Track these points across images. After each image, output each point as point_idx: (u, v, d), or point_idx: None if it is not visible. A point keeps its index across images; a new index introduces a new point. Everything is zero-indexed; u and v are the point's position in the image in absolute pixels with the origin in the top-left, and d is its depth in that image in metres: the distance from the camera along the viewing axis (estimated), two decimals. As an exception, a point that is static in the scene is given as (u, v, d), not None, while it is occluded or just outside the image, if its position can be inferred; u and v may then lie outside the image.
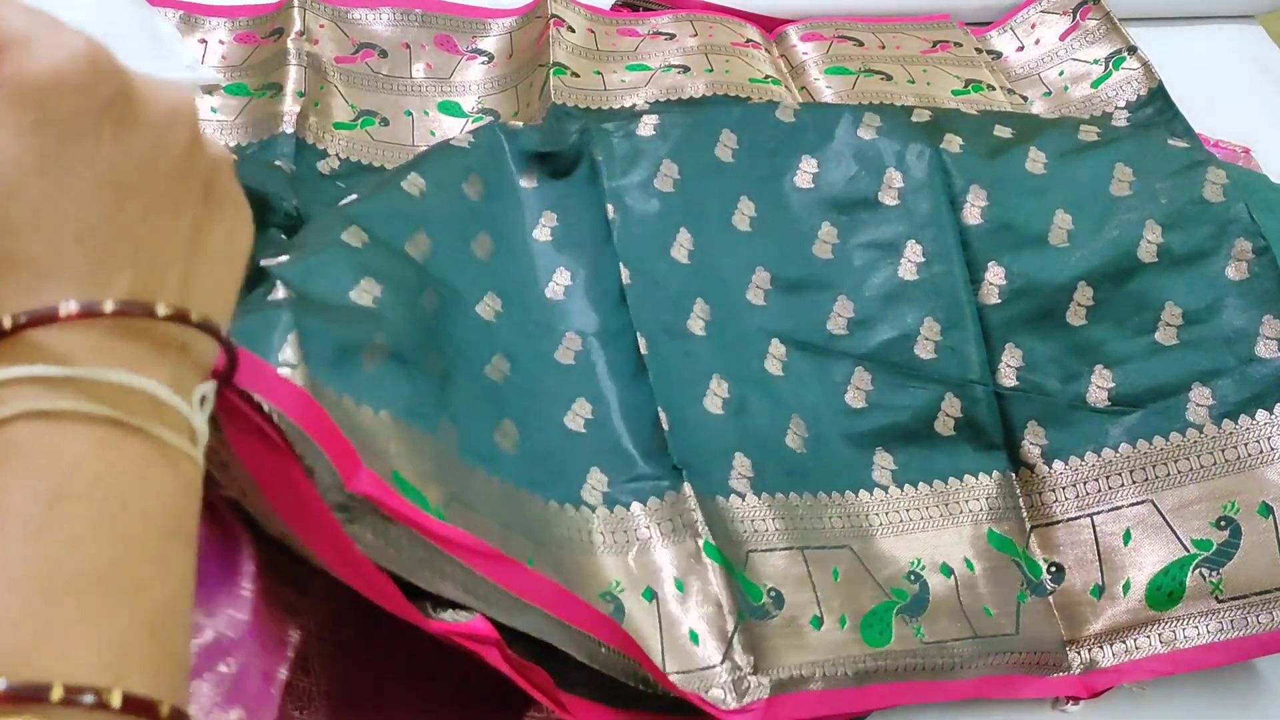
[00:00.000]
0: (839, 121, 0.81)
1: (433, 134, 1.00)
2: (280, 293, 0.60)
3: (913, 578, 0.71)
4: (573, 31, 1.05)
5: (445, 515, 0.58)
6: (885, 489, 0.73)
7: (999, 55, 1.15)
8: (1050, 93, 1.09)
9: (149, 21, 1.15)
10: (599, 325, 0.75)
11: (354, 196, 0.71)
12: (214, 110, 0.96)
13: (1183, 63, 1.13)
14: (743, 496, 0.69)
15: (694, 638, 0.64)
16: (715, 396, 0.72)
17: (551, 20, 1.03)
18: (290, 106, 0.93)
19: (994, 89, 1.05)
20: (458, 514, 0.60)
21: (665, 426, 0.69)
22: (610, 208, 0.77)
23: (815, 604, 0.67)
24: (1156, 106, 1.03)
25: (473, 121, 1.01)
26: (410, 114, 1.01)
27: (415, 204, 0.72)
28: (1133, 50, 1.07)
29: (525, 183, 0.80)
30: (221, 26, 1.04)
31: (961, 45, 1.12)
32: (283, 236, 0.74)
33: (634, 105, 0.98)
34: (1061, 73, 1.10)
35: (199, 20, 1.04)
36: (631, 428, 0.71)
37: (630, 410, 0.71)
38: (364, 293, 0.64)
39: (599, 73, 1.02)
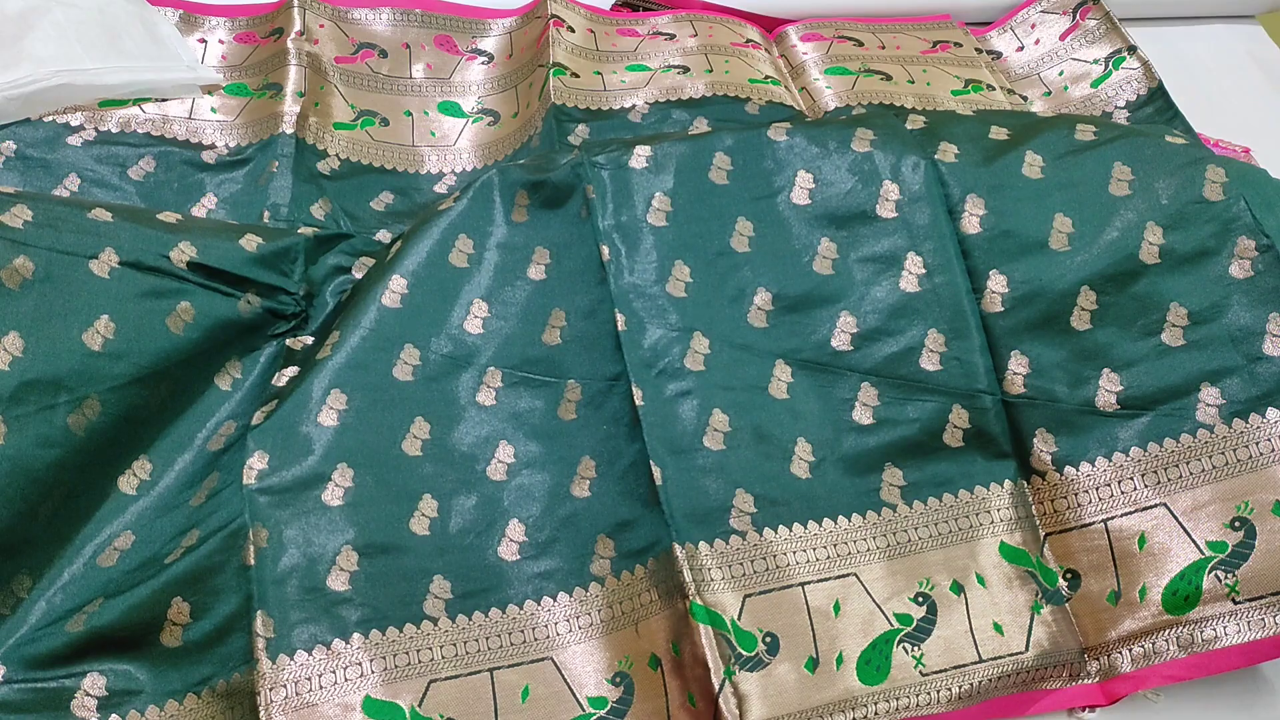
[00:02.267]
0: (832, 137, 0.81)
1: (432, 134, 0.99)
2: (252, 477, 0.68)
3: (920, 599, 0.70)
4: (572, 31, 1.05)
5: (421, 711, 0.64)
6: (894, 508, 0.73)
7: (999, 55, 1.15)
8: (1050, 92, 1.09)
9: (149, 21, 1.15)
10: (596, 370, 0.75)
11: (334, 338, 0.73)
12: (214, 110, 0.96)
13: (1183, 63, 1.13)
14: (743, 535, 0.69)
15: (691, 700, 0.65)
16: (716, 432, 0.72)
17: (551, 20, 1.03)
18: (290, 106, 0.93)
19: (994, 89, 1.05)
20: (438, 694, 0.65)
21: (658, 481, 0.69)
22: (605, 249, 0.77)
23: (812, 644, 0.67)
24: (1156, 106, 1.03)
25: (472, 122, 1.01)
26: (410, 114, 1.01)
27: (398, 317, 0.75)
28: (1133, 50, 1.07)
29: (516, 217, 0.80)
30: (221, 26, 1.04)
31: (961, 45, 1.12)
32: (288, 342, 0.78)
33: (634, 105, 0.98)
34: (1061, 72, 1.10)
35: (199, 20, 1.04)
36: (632, 481, 0.71)
37: (629, 463, 0.72)
38: (336, 487, 0.69)
39: (599, 73, 1.02)
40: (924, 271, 0.77)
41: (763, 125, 0.83)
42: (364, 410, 0.71)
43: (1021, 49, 1.14)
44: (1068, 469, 0.73)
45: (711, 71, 1.01)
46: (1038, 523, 0.74)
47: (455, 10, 1.08)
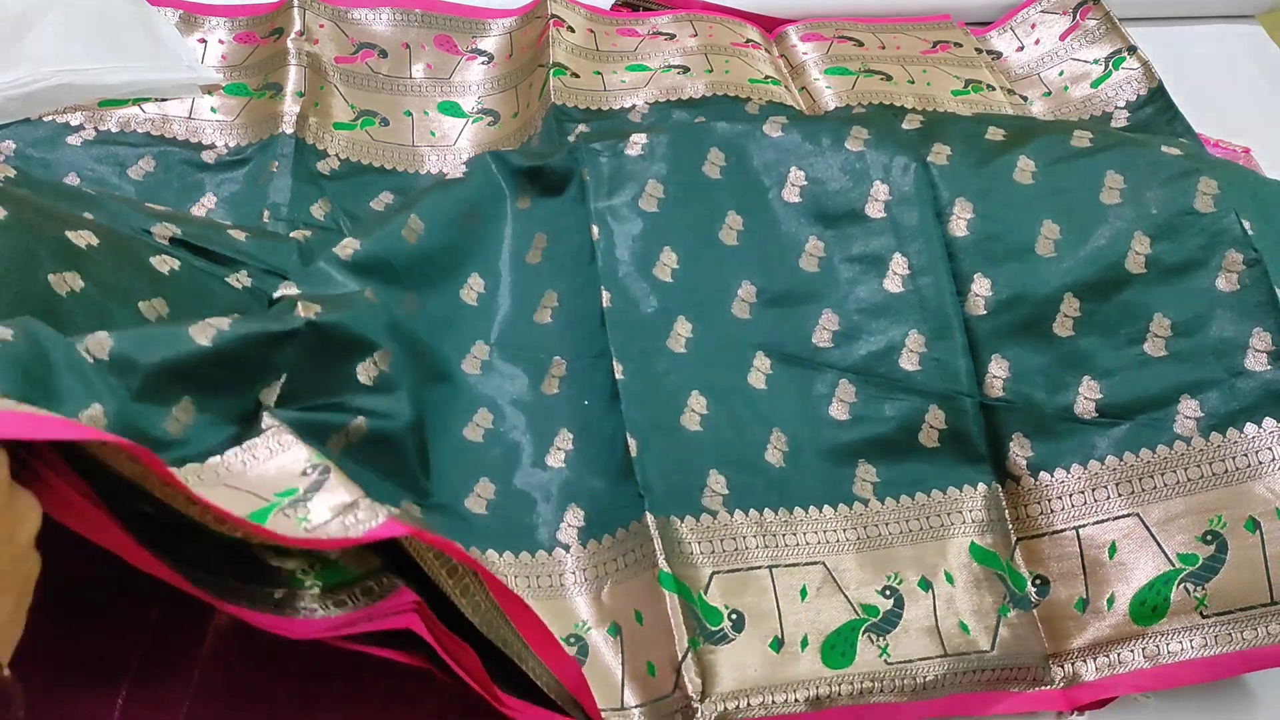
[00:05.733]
0: (826, 134, 0.81)
1: (432, 134, 1.00)
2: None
3: (888, 593, 0.70)
4: (572, 31, 1.05)
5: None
6: (866, 502, 0.73)
7: (999, 55, 1.15)
8: (1050, 93, 1.09)
9: (149, 21, 1.15)
10: (582, 348, 0.76)
11: (353, 247, 0.72)
12: (214, 110, 0.96)
13: (1183, 63, 1.13)
14: (714, 515, 0.69)
15: (650, 669, 0.65)
16: (693, 413, 0.73)
17: (551, 20, 1.03)
18: (290, 107, 0.93)
19: (994, 89, 1.05)
20: None
21: (633, 453, 0.69)
22: (595, 229, 0.78)
23: (777, 626, 0.67)
24: (1156, 106, 1.03)
25: (472, 122, 1.01)
26: (410, 114, 1.01)
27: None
28: (1133, 50, 1.07)
29: (521, 204, 0.81)
30: (221, 26, 1.04)
31: (961, 45, 1.12)
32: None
33: (634, 105, 0.98)
34: (1061, 73, 1.10)
35: (199, 20, 1.04)
36: (607, 454, 0.72)
37: (606, 437, 0.72)
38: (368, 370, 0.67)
39: (599, 73, 1.02)
40: (908, 272, 0.77)
41: (758, 121, 0.83)
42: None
43: (1021, 49, 1.14)
44: (1042, 474, 0.73)
45: (712, 71, 1.01)
46: (1010, 527, 0.73)
47: (455, 10, 1.08)
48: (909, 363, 0.75)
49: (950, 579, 0.71)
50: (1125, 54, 1.07)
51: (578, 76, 1.00)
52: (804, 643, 0.67)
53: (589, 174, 0.80)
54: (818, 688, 0.65)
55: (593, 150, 0.81)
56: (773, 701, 0.64)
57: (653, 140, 0.81)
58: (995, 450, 0.74)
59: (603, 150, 0.81)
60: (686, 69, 1.01)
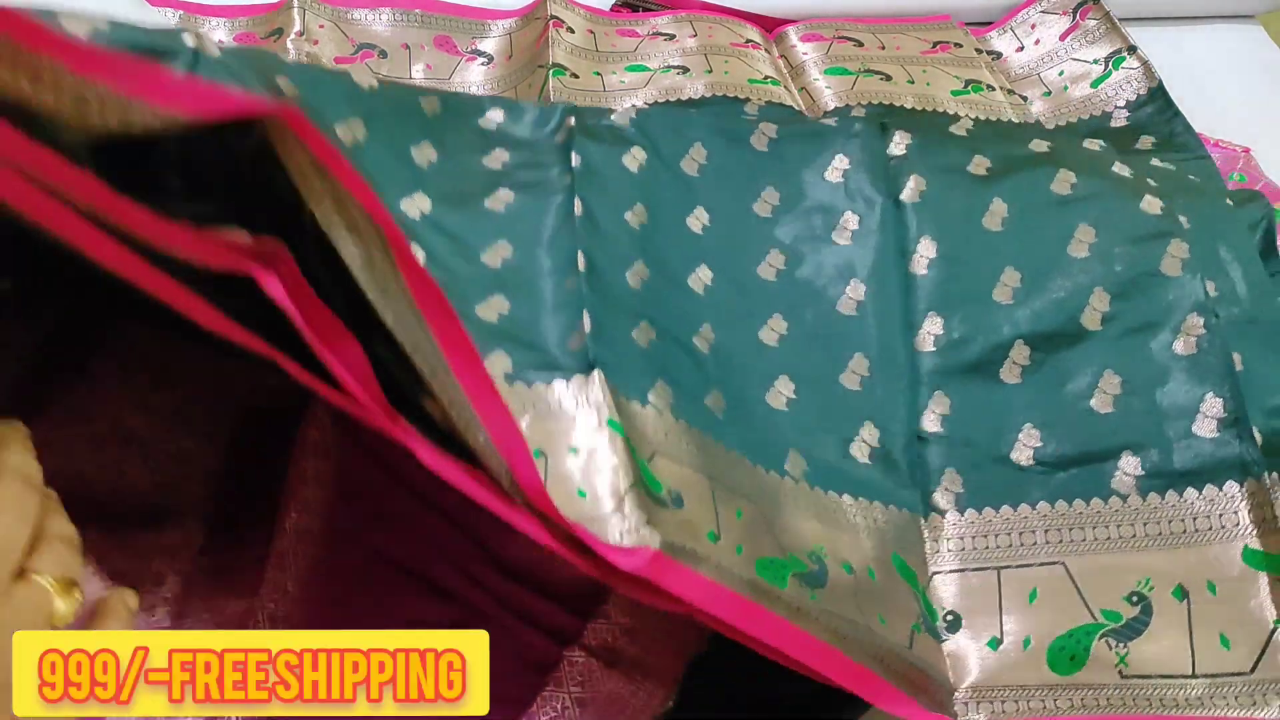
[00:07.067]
0: (808, 162, 0.80)
1: (432, 134, 1.00)
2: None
3: (814, 558, 0.66)
4: (572, 32, 1.05)
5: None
6: (796, 481, 0.70)
7: (999, 55, 1.15)
8: (1050, 93, 1.09)
9: (149, 22, 1.16)
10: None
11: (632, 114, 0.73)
12: (214, 111, 0.96)
13: (1183, 63, 1.13)
14: (660, 412, 0.65)
15: (581, 494, 0.57)
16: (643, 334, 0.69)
17: (551, 21, 1.03)
18: (290, 107, 0.93)
19: (993, 89, 1.05)
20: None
21: (587, 328, 0.63)
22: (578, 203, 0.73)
23: (714, 523, 0.62)
24: (1156, 106, 1.03)
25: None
26: (410, 115, 1.01)
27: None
28: (1132, 50, 1.07)
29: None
30: (221, 26, 1.05)
31: (961, 46, 1.12)
32: None
33: (633, 106, 0.98)
34: (1061, 73, 1.10)
35: (199, 20, 1.05)
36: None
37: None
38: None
39: (598, 74, 1.02)
40: (862, 299, 0.77)
41: (749, 127, 0.82)
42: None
43: (1021, 49, 1.15)
44: (969, 511, 0.72)
45: (711, 72, 1.01)
46: (927, 560, 0.71)
47: (455, 11, 1.09)
48: (850, 382, 0.75)
49: (872, 574, 0.68)
50: (1125, 54, 1.07)
51: (577, 77, 1.00)
52: (739, 549, 0.61)
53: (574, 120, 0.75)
54: (757, 585, 0.59)
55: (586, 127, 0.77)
56: (718, 564, 0.58)
57: (641, 114, 0.78)
58: (924, 482, 0.73)
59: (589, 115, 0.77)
60: (686, 69, 1.01)
